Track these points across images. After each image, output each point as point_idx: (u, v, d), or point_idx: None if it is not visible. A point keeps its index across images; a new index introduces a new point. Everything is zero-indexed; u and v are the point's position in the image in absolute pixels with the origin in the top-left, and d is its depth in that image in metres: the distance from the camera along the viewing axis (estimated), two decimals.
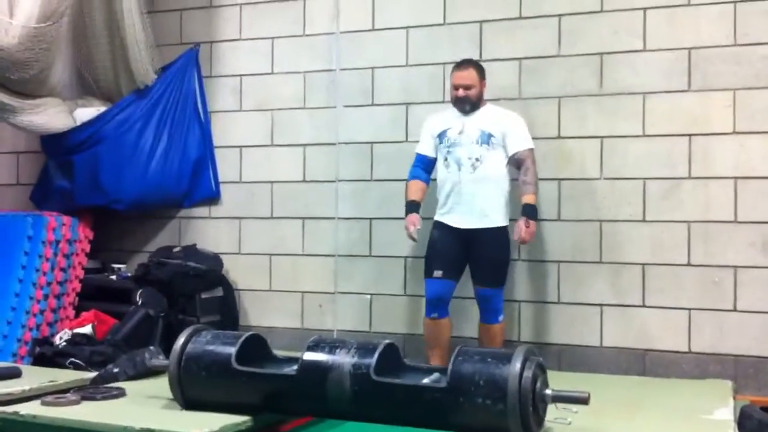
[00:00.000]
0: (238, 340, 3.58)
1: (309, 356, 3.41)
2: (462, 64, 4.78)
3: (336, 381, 3.30)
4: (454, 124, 4.74)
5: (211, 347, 3.57)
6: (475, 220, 4.64)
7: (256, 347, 3.64)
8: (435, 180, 4.88)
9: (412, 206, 4.77)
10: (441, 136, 4.77)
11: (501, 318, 4.70)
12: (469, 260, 4.71)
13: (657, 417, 3.65)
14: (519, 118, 4.77)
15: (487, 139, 4.65)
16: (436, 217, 4.78)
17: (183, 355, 3.57)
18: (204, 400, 3.53)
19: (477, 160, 4.63)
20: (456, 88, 4.72)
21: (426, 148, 4.85)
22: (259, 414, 3.49)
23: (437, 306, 4.66)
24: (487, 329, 4.70)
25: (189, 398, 3.56)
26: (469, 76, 4.70)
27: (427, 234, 4.79)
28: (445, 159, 4.73)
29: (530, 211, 4.60)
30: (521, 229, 4.54)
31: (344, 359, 3.33)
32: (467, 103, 4.71)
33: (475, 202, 4.64)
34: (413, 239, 4.73)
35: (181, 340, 3.63)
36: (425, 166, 4.85)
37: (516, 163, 4.70)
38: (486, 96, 4.95)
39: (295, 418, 3.72)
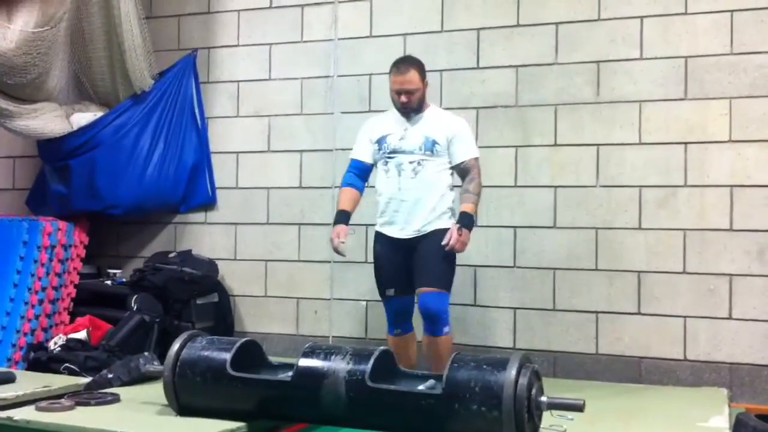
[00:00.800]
0: (233, 345, 3.57)
1: (304, 362, 3.40)
2: (401, 66, 4.38)
3: (331, 387, 3.29)
4: (394, 129, 4.41)
5: (206, 353, 3.56)
6: (416, 229, 4.32)
7: (251, 353, 3.63)
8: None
9: (341, 216, 4.42)
10: (380, 141, 4.43)
11: (447, 330, 4.30)
12: (412, 265, 4.37)
13: (652, 425, 3.64)
14: (465, 125, 4.45)
15: (431, 146, 4.33)
16: (377, 228, 4.48)
17: (178, 361, 3.56)
18: (198, 406, 3.51)
19: (419, 165, 4.31)
20: (398, 93, 4.34)
21: (362, 154, 4.52)
22: (254, 420, 3.48)
23: (398, 323, 4.43)
24: (432, 342, 4.31)
25: (183, 404, 3.55)
26: (411, 79, 4.31)
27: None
28: (385, 164, 4.40)
29: (466, 220, 4.27)
30: (452, 235, 4.19)
31: (339, 365, 3.32)
32: (410, 109, 4.36)
33: (416, 211, 4.32)
34: (339, 253, 4.39)
35: (176, 346, 3.61)
36: (361, 173, 4.53)
37: (461, 172, 4.40)
38: (484, 103, 4.97)
39: (290, 425, 3.70)
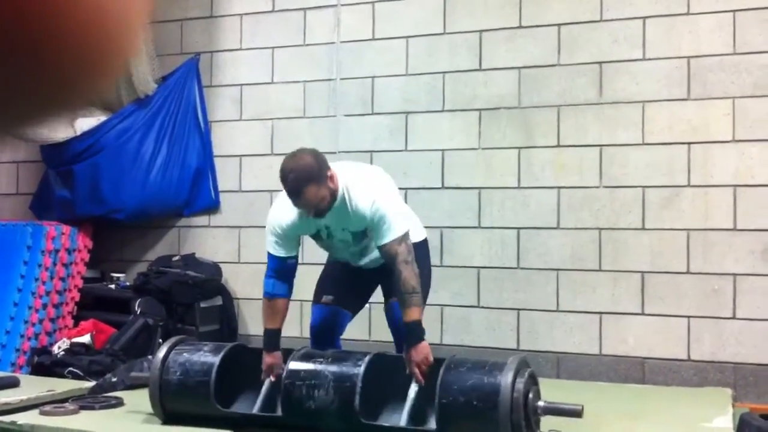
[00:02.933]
0: (221, 351, 3.56)
1: (293, 366, 3.39)
2: (291, 192, 3.38)
3: (321, 395, 3.27)
4: (311, 227, 3.63)
5: (192, 359, 3.54)
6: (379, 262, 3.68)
7: (240, 357, 3.61)
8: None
9: (271, 338, 3.62)
10: (303, 235, 3.79)
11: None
12: (374, 279, 3.87)
13: (657, 425, 3.64)
14: (376, 206, 3.42)
15: (361, 235, 3.59)
16: None
17: (163, 368, 3.54)
18: (184, 414, 3.50)
19: (363, 250, 3.69)
20: (302, 210, 3.48)
21: (283, 248, 3.60)
22: (242, 428, 3.47)
23: (319, 339, 3.86)
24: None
25: (169, 411, 3.53)
26: (310, 197, 3.35)
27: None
28: (322, 241, 3.75)
29: (414, 332, 3.37)
30: (411, 361, 3.33)
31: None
32: (324, 212, 3.47)
33: (375, 263, 3.72)
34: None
35: (161, 353, 3.59)
36: (286, 272, 3.63)
37: (384, 257, 3.50)
38: (487, 105, 4.96)
39: None
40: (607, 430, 3.43)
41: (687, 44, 4.88)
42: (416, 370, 3.31)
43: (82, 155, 5.78)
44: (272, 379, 3.54)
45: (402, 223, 3.46)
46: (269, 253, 3.61)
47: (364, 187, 3.47)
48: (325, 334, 3.84)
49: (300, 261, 5.75)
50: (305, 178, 3.32)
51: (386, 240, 3.40)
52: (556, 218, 5.10)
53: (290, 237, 3.59)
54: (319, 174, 3.35)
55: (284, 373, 3.37)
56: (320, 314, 3.86)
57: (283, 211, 3.53)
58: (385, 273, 3.60)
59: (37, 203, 6.30)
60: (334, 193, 3.42)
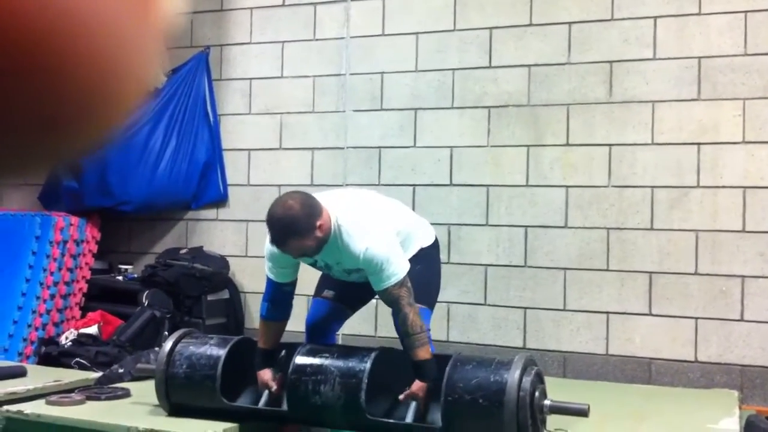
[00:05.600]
0: (227, 344, 3.56)
1: (299, 361, 3.39)
2: (275, 242, 3.28)
3: (326, 390, 3.27)
4: (306, 259, 3.47)
5: (198, 352, 3.55)
6: None
7: (246, 351, 3.61)
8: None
9: (263, 358, 3.56)
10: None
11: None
12: None
13: (662, 426, 3.63)
14: (370, 253, 3.27)
15: (357, 270, 3.43)
16: None
17: (170, 360, 3.55)
18: (190, 406, 3.50)
19: (365, 278, 3.43)
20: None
21: (280, 274, 3.50)
22: (247, 422, 3.48)
23: (313, 333, 3.81)
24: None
25: (175, 403, 3.53)
26: (293, 249, 3.25)
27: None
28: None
29: (430, 370, 3.27)
30: (416, 393, 3.27)
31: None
32: (312, 256, 3.38)
33: None
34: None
35: (167, 346, 3.60)
36: (282, 299, 3.55)
37: (385, 301, 3.41)
38: (496, 102, 4.95)
39: (283, 426, 3.71)
40: (612, 429, 3.43)
41: (698, 45, 4.86)
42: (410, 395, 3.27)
43: None
44: (272, 391, 3.50)
45: (401, 265, 3.31)
46: (267, 277, 3.53)
47: (356, 229, 3.30)
48: (322, 329, 3.79)
49: None
50: (290, 231, 3.18)
51: (385, 286, 3.29)
52: (564, 217, 5.10)
53: (285, 264, 3.46)
54: (306, 227, 3.17)
55: (290, 369, 3.37)
56: (319, 308, 3.80)
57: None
58: None
59: (45, 194, 6.31)
60: (322, 242, 3.26)
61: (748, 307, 4.71)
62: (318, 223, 3.20)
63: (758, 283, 4.69)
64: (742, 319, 4.72)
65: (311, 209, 3.23)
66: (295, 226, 3.17)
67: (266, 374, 3.52)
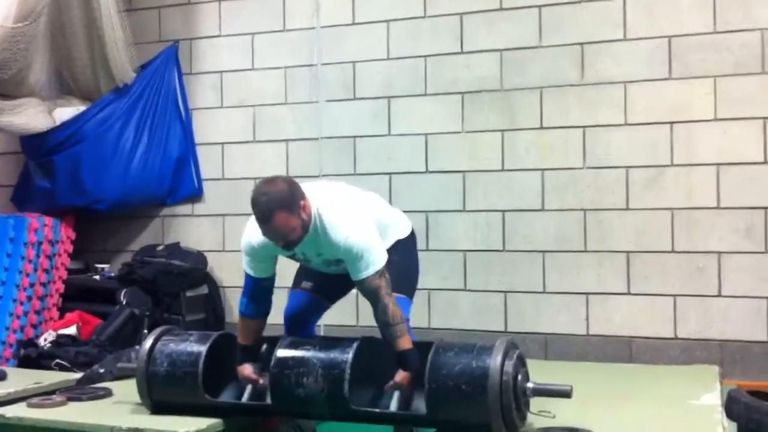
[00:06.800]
0: (208, 340, 3.54)
1: (281, 354, 3.38)
2: (261, 218, 3.20)
3: (310, 382, 3.27)
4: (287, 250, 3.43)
5: (179, 349, 3.52)
6: None
7: (227, 346, 3.60)
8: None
9: (244, 353, 3.53)
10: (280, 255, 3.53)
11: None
12: None
13: (644, 404, 3.66)
14: (350, 242, 3.27)
15: (336, 262, 3.44)
16: None
17: (150, 358, 3.52)
18: (173, 403, 3.48)
19: (344, 269, 3.42)
20: (271, 240, 3.29)
21: (257, 270, 3.48)
22: (231, 417, 3.47)
23: (292, 325, 3.76)
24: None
25: (157, 401, 3.51)
26: (279, 224, 3.18)
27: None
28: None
29: (412, 360, 3.27)
30: (400, 382, 3.28)
31: (316, 358, 3.29)
32: (294, 245, 3.31)
33: None
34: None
35: (147, 344, 3.57)
36: (262, 293, 3.50)
37: (362, 293, 3.39)
38: (469, 88, 4.94)
39: (268, 419, 3.71)
40: (596, 409, 3.45)
41: (668, 24, 4.88)
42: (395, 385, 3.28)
43: (62, 145, 5.72)
44: (255, 385, 3.48)
45: (380, 255, 3.31)
46: (245, 273, 3.49)
47: (336, 218, 3.31)
48: (300, 321, 3.74)
49: None
50: (277, 204, 3.16)
51: (364, 275, 3.28)
52: (541, 200, 5.11)
53: (264, 258, 3.44)
54: (291, 202, 3.19)
55: (272, 362, 3.35)
56: (297, 300, 3.76)
57: (256, 233, 3.32)
58: None
59: (18, 195, 6.25)
60: (305, 225, 3.25)
61: (726, 282, 4.75)
62: (303, 204, 3.23)
63: (734, 258, 4.73)
64: (719, 295, 4.76)
65: (297, 190, 3.25)
66: (283, 200, 3.17)
67: (246, 369, 3.49)
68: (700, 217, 4.80)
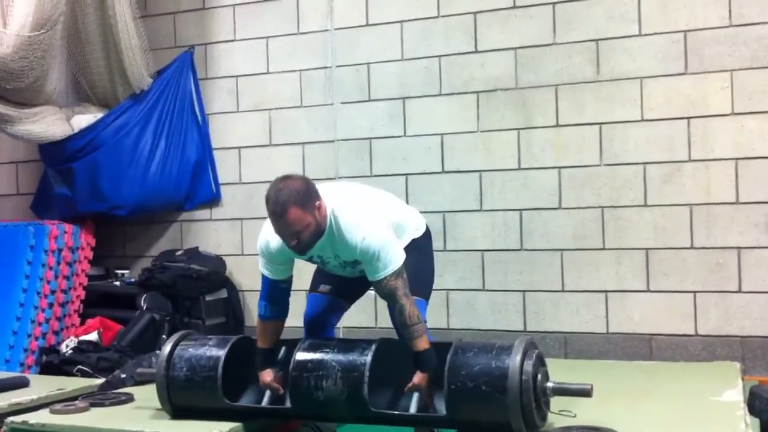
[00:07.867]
0: (227, 344, 3.55)
1: (300, 357, 3.38)
2: (275, 212, 3.16)
3: (329, 385, 3.27)
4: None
5: (198, 353, 3.54)
6: None
7: (246, 350, 3.60)
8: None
9: (264, 358, 3.54)
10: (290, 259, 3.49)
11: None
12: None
13: (666, 401, 3.64)
14: (367, 242, 3.24)
15: (353, 264, 3.44)
16: None
17: (170, 363, 3.54)
18: (193, 408, 3.49)
19: (361, 271, 3.44)
20: (281, 236, 3.24)
21: (274, 272, 3.47)
22: (251, 420, 3.47)
23: (313, 327, 3.76)
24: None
25: (177, 406, 3.52)
26: (292, 220, 3.14)
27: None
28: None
29: (430, 360, 3.26)
30: (419, 384, 3.27)
31: (335, 360, 3.29)
32: (306, 247, 3.28)
33: None
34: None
35: (166, 349, 3.58)
36: (279, 296, 3.50)
37: (380, 294, 3.38)
38: (484, 87, 4.93)
39: (287, 422, 3.72)
40: (616, 407, 3.43)
41: (683, 18, 4.85)
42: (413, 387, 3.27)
43: (80, 153, 5.76)
44: (276, 393, 3.49)
45: (397, 255, 3.30)
46: (262, 275, 3.49)
47: (352, 219, 3.29)
48: (321, 324, 3.74)
49: None
50: (292, 199, 3.13)
51: (382, 275, 3.27)
52: (558, 198, 5.09)
53: (280, 261, 3.42)
54: (306, 199, 3.17)
55: (291, 365, 3.36)
56: (317, 303, 3.75)
57: (272, 235, 3.31)
58: None
59: (37, 203, 6.30)
60: (319, 227, 3.23)
61: (746, 278, 4.71)
62: (318, 203, 3.21)
63: (754, 253, 4.70)
64: (740, 291, 4.72)
65: (312, 187, 3.25)
66: (297, 196, 3.15)
67: (268, 375, 3.50)
68: (719, 212, 4.77)
